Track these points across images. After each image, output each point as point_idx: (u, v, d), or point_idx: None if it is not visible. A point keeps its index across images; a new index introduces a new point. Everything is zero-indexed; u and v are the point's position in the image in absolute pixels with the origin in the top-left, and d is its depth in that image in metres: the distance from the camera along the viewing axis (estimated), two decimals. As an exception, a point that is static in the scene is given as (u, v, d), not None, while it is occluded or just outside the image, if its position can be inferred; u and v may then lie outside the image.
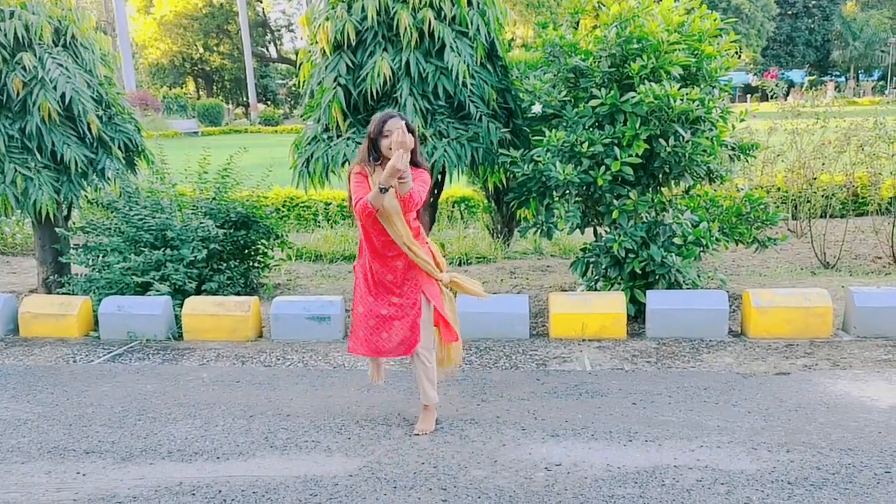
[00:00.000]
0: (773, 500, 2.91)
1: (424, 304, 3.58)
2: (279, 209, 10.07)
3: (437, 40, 5.25)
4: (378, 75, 5.19)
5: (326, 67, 5.45)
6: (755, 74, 47.45)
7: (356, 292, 3.70)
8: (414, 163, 3.41)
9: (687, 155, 5.04)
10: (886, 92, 37.67)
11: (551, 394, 4.13)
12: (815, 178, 7.97)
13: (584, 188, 5.33)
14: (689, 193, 5.86)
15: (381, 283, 3.59)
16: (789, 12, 53.08)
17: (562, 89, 5.56)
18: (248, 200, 6.70)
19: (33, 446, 3.67)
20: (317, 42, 5.53)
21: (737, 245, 5.77)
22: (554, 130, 5.18)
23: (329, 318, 5.32)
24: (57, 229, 6.41)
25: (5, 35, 5.78)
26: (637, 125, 4.98)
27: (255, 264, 6.85)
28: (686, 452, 3.36)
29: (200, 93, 54.00)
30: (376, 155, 3.48)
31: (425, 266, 3.58)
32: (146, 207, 6.14)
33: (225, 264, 6.35)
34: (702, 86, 5.35)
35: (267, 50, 56.81)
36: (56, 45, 6.10)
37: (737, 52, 5.48)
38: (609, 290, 5.49)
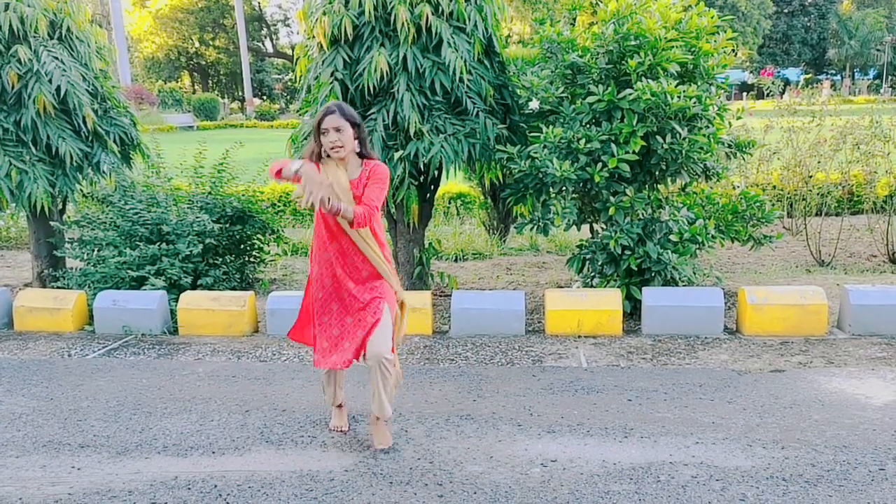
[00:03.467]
0: (767, 497, 2.92)
1: (386, 309, 3.28)
2: (275, 204, 10.04)
3: (434, 36, 5.23)
4: (375, 70, 5.18)
5: (323, 62, 5.43)
6: (751, 72, 47.53)
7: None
8: (364, 155, 3.29)
9: (684, 152, 5.05)
10: (881, 90, 37.75)
11: (547, 390, 4.13)
12: (810, 176, 7.98)
13: (581, 185, 5.32)
14: (685, 191, 5.87)
15: (339, 287, 3.30)
16: (786, 10, 53.11)
17: (559, 86, 5.56)
18: (244, 195, 6.69)
19: (28, 440, 3.66)
20: (314, 37, 5.51)
21: (732, 242, 5.78)
22: (551, 127, 5.17)
23: (325, 314, 5.30)
24: (52, 223, 6.38)
25: (0, 28, 5.74)
26: (634, 122, 4.98)
27: (251, 259, 6.84)
28: (681, 449, 3.36)
29: (196, 87, 53.84)
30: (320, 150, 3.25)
31: (384, 270, 3.32)
32: (142, 201, 6.12)
33: (221, 259, 6.34)
34: (699, 83, 5.36)
35: (263, 44, 56.62)
36: (51, 38, 6.07)
37: (733, 50, 5.48)
38: (605, 286, 5.50)
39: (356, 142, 3.23)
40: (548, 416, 3.77)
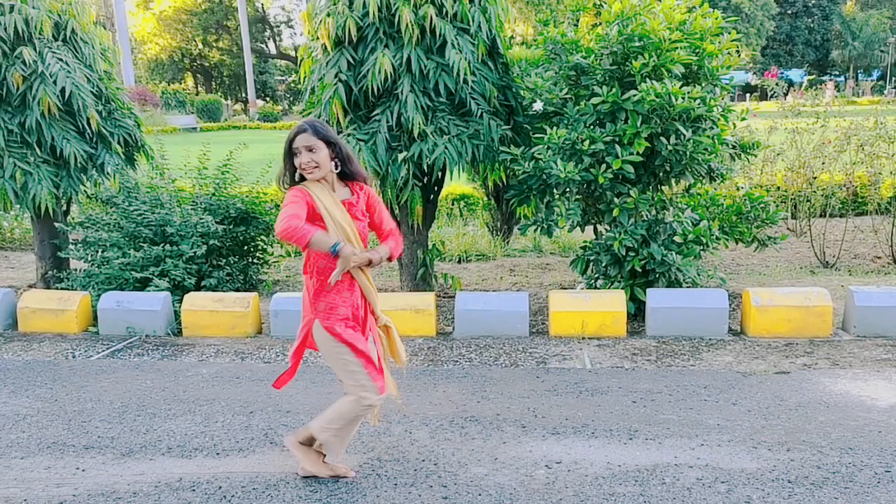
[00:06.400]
0: (773, 499, 2.91)
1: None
2: (279, 205, 10.04)
3: (438, 37, 5.23)
4: (379, 72, 5.18)
5: (327, 63, 5.44)
6: (755, 73, 47.47)
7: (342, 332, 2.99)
8: (348, 175, 3.03)
9: (688, 153, 5.04)
10: (885, 92, 37.69)
11: (551, 391, 4.13)
12: (814, 178, 7.97)
13: (585, 186, 5.32)
14: (689, 192, 5.86)
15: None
16: (789, 11, 53.07)
17: (563, 87, 5.56)
18: (247, 196, 6.70)
19: (33, 441, 3.66)
20: (318, 38, 5.52)
21: (737, 244, 5.77)
22: (555, 128, 5.17)
23: (329, 315, 5.31)
24: (56, 224, 6.39)
25: (5, 29, 5.76)
26: (638, 123, 4.98)
27: (255, 260, 6.85)
28: (686, 451, 3.36)
29: (199, 88, 53.90)
30: (293, 172, 2.97)
31: (372, 298, 3.11)
32: (145, 203, 6.13)
33: (224, 260, 6.35)
34: (703, 84, 5.35)
35: (266, 46, 56.67)
36: (56, 40, 6.08)
37: (737, 51, 5.48)
38: (609, 288, 5.49)
39: (333, 162, 2.96)
40: (552, 418, 3.76)
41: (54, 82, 5.84)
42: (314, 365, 4.73)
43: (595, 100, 5.15)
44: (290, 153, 2.96)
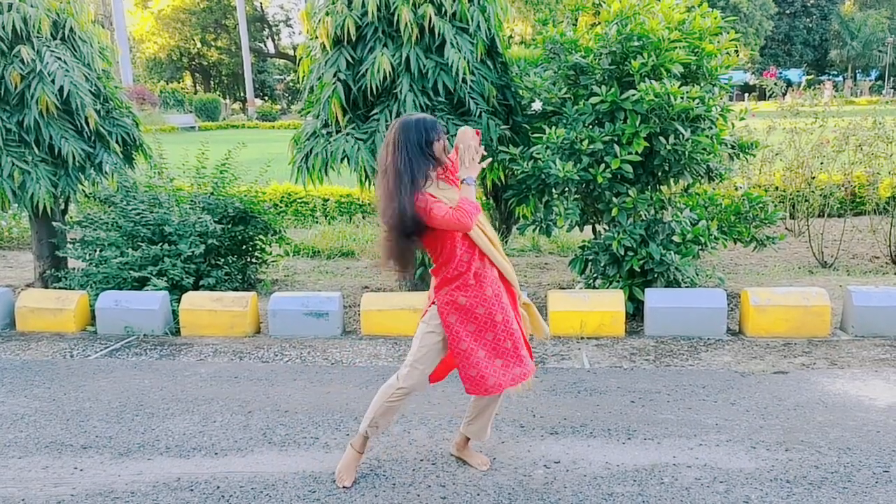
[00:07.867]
0: (771, 499, 2.91)
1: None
2: (277, 204, 10.06)
3: (437, 36, 5.23)
4: (378, 71, 5.18)
5: (326, 63, 5.44)
6: (753, 73, 47.53)
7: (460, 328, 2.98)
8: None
9: (687, 153, 5.04)
10: (884, 91, 37.76)
11: (550, 391, 4.13)
12: (813, 178, 7.97)
13: (584, 186, 5.32)
14: (688, 192, 5.86)
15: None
16: (787, 11, 53.13)
17: (562, 86, 5.56)
18: (246, 196, 6.69)
19: (30, 441, 3.65)
20: (316, 37, 5.52)
21: (735, 244, 5.77)
22: (554, 128, 5.17)
23: (327, 315, 5.31)
24: (54, 223, 6.38)
25: (3, 28, 5.75)
26: (637, 123, 4.97)
27: (253, 260, 6.84)
28: (685, 451, 3.36)
29: (198, 87, 53.88)
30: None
31: (512, 277, 3.05)
32: (144, 202, 6.12)
33: (223, 259, 6.34)
34: (702, 84, 5.35)
35: (264, 45, 56.63)
36: (54, 39, 6.07)
37: (735, 51, 5.48)
38: (608, 287, 5.49)
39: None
40: (551, 418, 3.76)
41: (52, 81, 5.83)
42: (312, 364, 4.73)
43: (594, 99, 5.15)
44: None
